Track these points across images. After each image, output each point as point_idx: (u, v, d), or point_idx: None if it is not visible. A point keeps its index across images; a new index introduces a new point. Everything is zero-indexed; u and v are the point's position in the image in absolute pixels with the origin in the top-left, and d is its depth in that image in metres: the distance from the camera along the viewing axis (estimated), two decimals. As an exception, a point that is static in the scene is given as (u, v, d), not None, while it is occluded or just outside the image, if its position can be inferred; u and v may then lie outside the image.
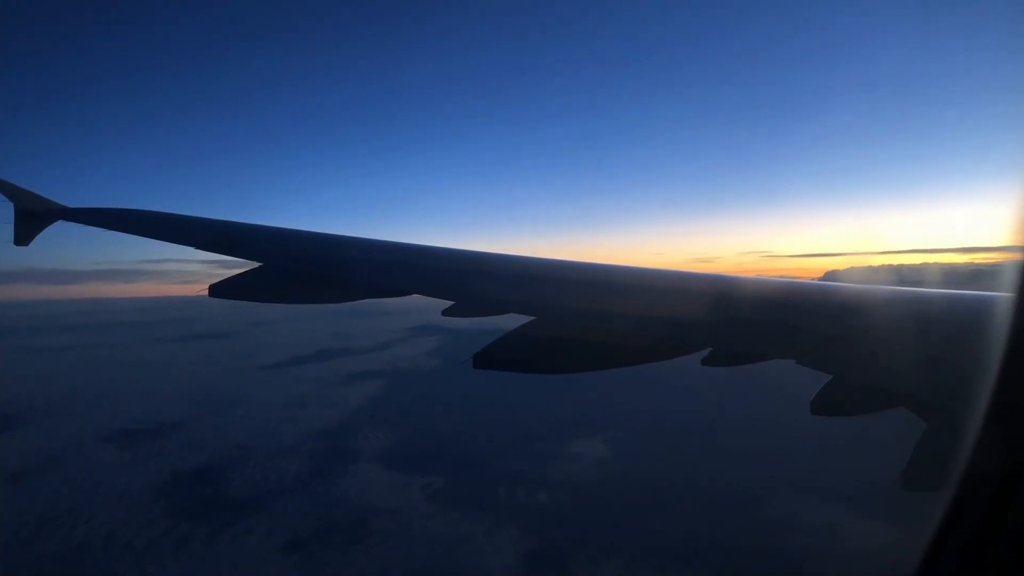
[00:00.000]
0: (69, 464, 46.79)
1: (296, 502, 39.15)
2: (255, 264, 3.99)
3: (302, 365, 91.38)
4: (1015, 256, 1.72)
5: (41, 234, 6.08)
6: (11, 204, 5.90)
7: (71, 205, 6.21)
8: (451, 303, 3.59)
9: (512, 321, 3.27)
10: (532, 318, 3.19)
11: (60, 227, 6.07)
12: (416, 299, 3.73)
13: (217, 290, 3.80)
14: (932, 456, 2.13)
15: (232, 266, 4.07)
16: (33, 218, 5.93)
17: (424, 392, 69.17)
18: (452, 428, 54.52)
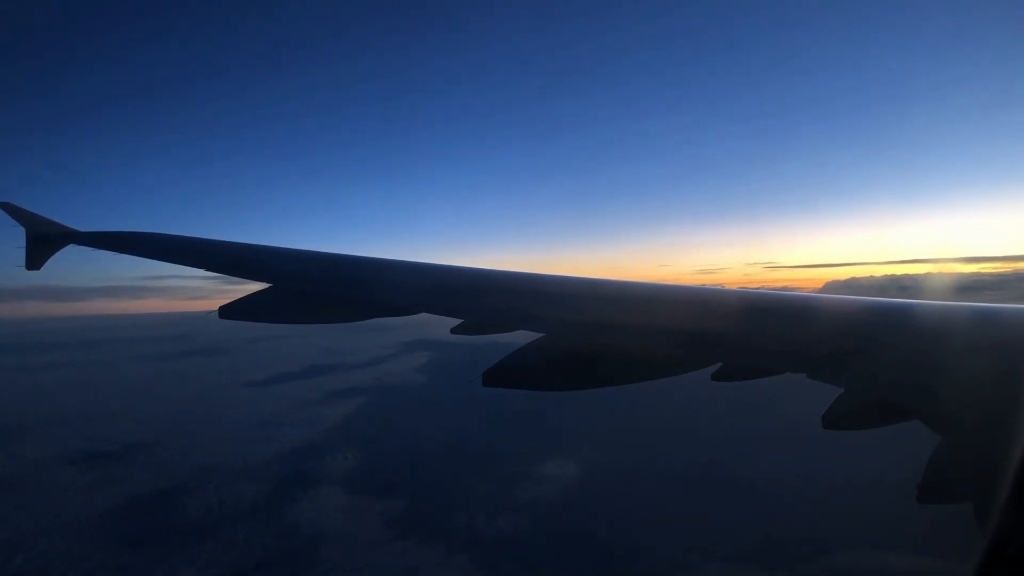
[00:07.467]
0: (26, 488, 45.84)
1: (246, 529, 37.75)
2: (263, 284, 3.98)
3: (288, 382, 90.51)
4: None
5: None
6: (22, 229, 6.02)
7: (75, 225, 6.26)
8: (460, 321, 3.59)
9: (513, 338, 3.24)
10: (541, 335, 3.16)
11: (66, 247, 6.22)
12: (418, 314, 3.65)
13: (227, 311, 3.74)
14: (947, 469, 2.11)
15: (235, 282, 4.14)
16: (45, 243, 6.04)
17: (403, 411, 67.71)
18: (424, 448, 52.94)
